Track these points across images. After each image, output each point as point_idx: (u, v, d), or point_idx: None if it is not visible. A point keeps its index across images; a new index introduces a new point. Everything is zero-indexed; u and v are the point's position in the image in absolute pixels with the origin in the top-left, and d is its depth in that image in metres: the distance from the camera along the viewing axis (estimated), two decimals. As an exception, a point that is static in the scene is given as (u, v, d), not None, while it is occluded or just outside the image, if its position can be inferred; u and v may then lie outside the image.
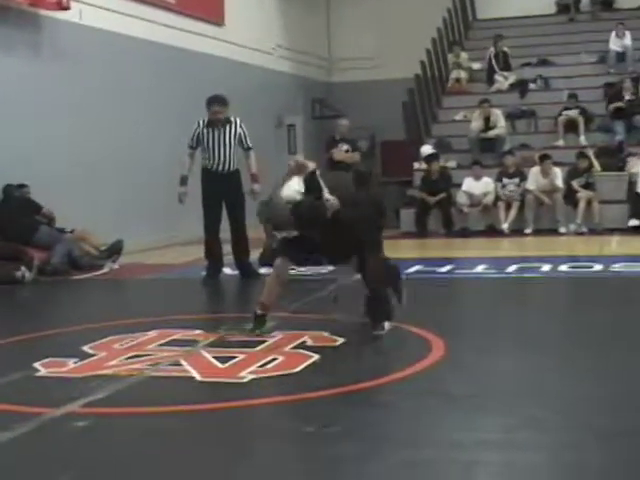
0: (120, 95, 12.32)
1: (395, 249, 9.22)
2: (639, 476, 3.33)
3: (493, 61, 16.77)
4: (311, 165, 5.94)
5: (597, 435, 3.78)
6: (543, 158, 13.42)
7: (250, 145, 9.00)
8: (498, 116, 14.80)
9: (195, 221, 13.59)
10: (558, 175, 13.29)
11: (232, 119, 8.92)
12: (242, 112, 15.47)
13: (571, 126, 14.88)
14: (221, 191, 8.83)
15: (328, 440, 3.80)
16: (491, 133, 14.71)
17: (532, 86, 16.55)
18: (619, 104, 14.58)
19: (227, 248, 9.07)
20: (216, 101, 8.86)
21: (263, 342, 5.65)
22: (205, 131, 8.82)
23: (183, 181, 8.94)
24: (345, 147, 12.47)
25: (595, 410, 4.15)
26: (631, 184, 13.26)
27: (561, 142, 14.81)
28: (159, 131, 13.04)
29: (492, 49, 16.75)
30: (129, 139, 12.40)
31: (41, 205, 10.21)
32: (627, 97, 14.65)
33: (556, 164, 13.45)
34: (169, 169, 13.28)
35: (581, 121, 14.78)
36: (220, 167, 8.81)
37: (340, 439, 3.79)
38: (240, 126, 8.92)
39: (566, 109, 15.02)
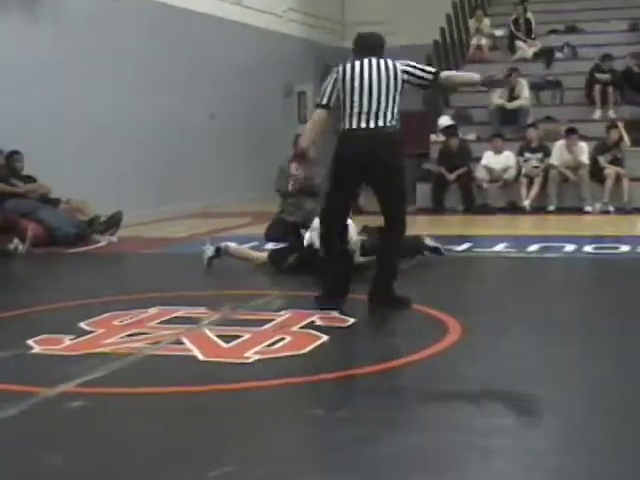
0: (119, 59, 12.28)
1: (410, 226, 9.19)
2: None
3: (512, 27, 16.61)
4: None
5: (611, 418, 3.81)
6: (569, 132, 13.30)
7: None
8: (523, 86, 14.60)
9: (196, 193, 13.72)
10: (584, 150, 13.13)
11: None
12: (249, 79, 15.59)
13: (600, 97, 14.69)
14: None
15: (336, 424, 3.81)
16: (514, 104, 14.52)
17: (558, 55, 16.41)
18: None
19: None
20: None
21: (270, 321, 5.66)
22: None
23: None
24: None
25: (610, 393, 4.18)
26: (662, 160, 13.18)
27: (598, 114, 14.53)
28: (161, 97, 13.01)
29: (513, 14, 16.60)
30: (129, 104, 12.38)
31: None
32: (659, 69, 14.47)
33: (583, 138, 13.33)
34: (170, 137, 13.32)
35: (611, 91, 14.55)
36: None
37: (349, 423, 3.80)
38: None
39: (598, 71, 14.77)
